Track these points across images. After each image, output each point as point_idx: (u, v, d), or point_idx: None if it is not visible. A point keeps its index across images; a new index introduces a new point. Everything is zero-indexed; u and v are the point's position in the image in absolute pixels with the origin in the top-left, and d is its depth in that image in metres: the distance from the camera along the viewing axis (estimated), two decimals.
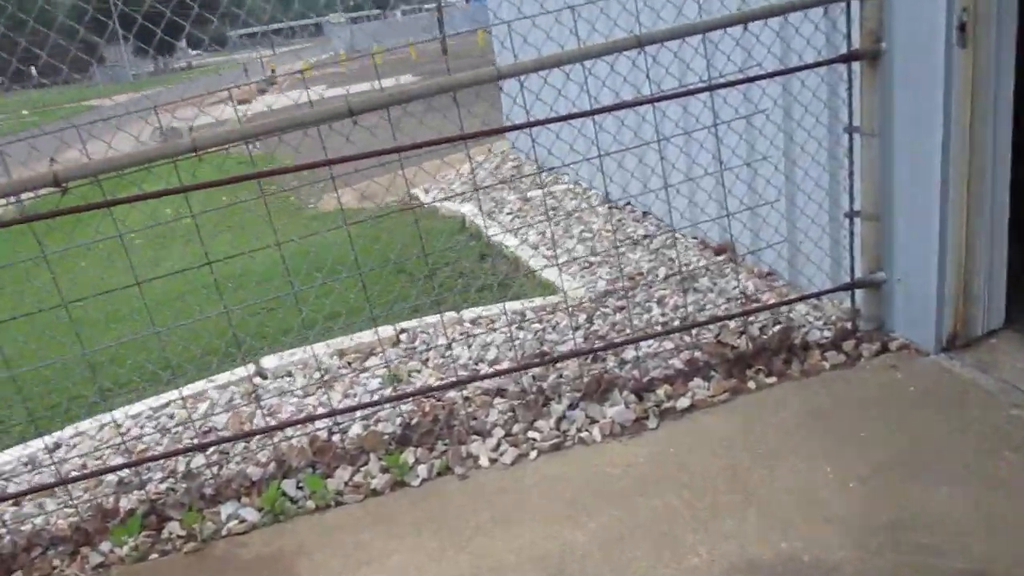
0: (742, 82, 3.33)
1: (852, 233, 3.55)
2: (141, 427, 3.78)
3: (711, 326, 3.75)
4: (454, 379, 3.47)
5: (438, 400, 3.53)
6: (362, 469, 3.18)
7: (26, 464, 3.65)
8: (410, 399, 3.47)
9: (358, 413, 3.43)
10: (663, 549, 2.56)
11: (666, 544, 2.57)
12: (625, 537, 2.63)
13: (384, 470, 3.15)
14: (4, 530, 3.11)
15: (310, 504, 3.05)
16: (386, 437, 3.30)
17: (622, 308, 4.21)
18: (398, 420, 3.40)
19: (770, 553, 2.47)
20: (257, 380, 4.02)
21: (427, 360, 3.98)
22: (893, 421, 3.04)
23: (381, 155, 2.92)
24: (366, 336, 4.21)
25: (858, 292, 3.61)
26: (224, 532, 2.97)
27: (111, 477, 3.32)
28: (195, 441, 3.44)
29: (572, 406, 3.36)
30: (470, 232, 6.29)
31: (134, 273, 2.84)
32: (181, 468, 3.35)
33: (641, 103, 3.16)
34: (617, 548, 2.59)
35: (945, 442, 2.88)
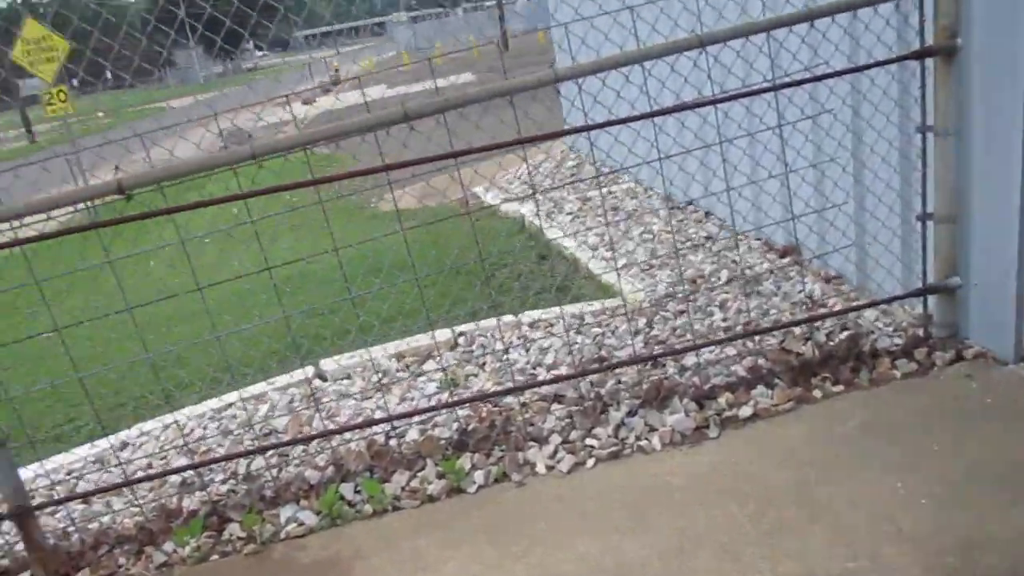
0: (809, 81, 3.22)
1: (925, 236, 3.41)
2: (204, 428, 3.85)
3: (775, 332, 3.65)
4: (511, 385, 3.44)
5: (495, 406, 3.50)
6: (419, 474, 3.17)
7: (95, 462, 3.75)
8: (466, 404, 3.46)
9: (415, 418, 3.43)
10: (724, 564, 2.48)
11: (727, 559, 2.50)
12: (685, 550, 2.57)
13: (441, 476, 3.14)
14: (73, 528, 3.20)
15: (367, 508, 3.06)
16: (443, 442, 3.29)
17: (683, 312, 4.12)
18: (455, 425, 3.39)
19: (836, 572, 2.38)
20: (316, 383, 4.06)
21: (484, 364, 3.97)
22: (968, 434, 2.91)
23: (437, 160, 2.90)
24: (424, 339, 4.21)
25: (931, 298, 3.47)
26: (283, 535, 3.00)
27: (175, 477, 3.39)
28: (255, 443, 3.48)
29: (631, 413, 3.30)
30: (529, 233, 6.26)
31: (195, 278, 2.88)
32: (242, 470, 3.40)
33: (702, 104, 3.08)
34: (676, 561, 2.53)
35: None
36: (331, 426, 3.61)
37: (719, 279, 4.52)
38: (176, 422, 3.54)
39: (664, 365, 3.61)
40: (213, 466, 3.40)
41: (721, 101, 3.11)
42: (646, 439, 3.16)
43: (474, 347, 4.18)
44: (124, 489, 3.35)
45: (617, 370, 3.55)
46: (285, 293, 4.40)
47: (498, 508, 2.95)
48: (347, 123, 2.88)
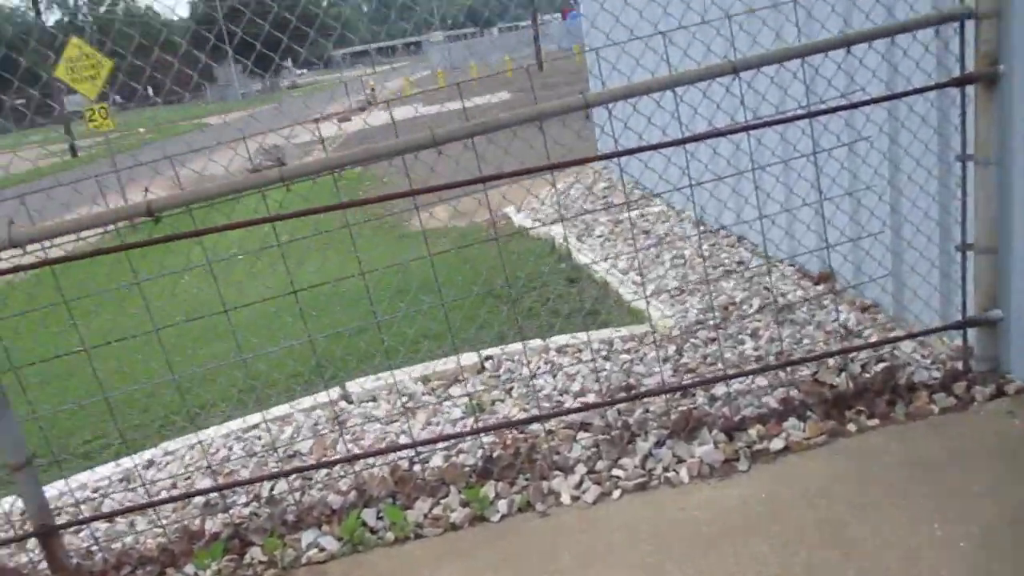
0: (845, 108, 3.15)
1: (964, 267, 3.31)
2: (229, 448, 3.85)
3: (808, 363, 3.56)
4: (536, 413, 3.40)
5: (520, 432, 3.46)
6: (442, 501, 3.13)
7: (121, 480, 3.76)
8: (492, 431, 3.42)
9: (439, 444, 3.40)
10: None
11: None
12: None
13: (464, 504, 3.10)
14: (97, 547, 3.20)
15: (389, 535, 3.02)
16: (467, 469, 3.25)
17: (713, 340, 4.05)
18: (479, 452, 3.34)
19: None
20: (342, 404, 4.05)
21: (511, 389, 3.93)
22: (1010, 475, 2.80)
23: (465, 185, 2.88)
24: (451, 362, 4.18)
25: (971, 331, 3.37)
26: (304, 560, 2.97)
27: (198, 498, 3.38)
28: (279, 466, 3.47)
29: (659, 444, 3.24)
30: (559, 255, 6.22)
31: (222, 300, 2.88)
32: (265, 493, 3.38)
33: (735, 131, 3.03)
34: None
35: None
36: (355, 450, 3.59)
37: (751, 306, 4.44)
38: (200, 442, 3.54)
39: (693, 395, 3.54)
40: (236, 488, 3.38)
41: (754, 128, 3.06)
42: (674, 471, 3.09)
43: (501, 371, 4.14)
44: (148, 509, 3.35)
45: (645, 399, 3.49)
46: (312, 314, 4.41)
47: (521, 539, 2.90)
48: (376, 147, 2.87)
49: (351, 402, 4.08)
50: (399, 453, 3.38)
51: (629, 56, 3.25)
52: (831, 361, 3.54)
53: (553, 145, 3.02)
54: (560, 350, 4.25)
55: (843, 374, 3.44)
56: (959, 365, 3.41)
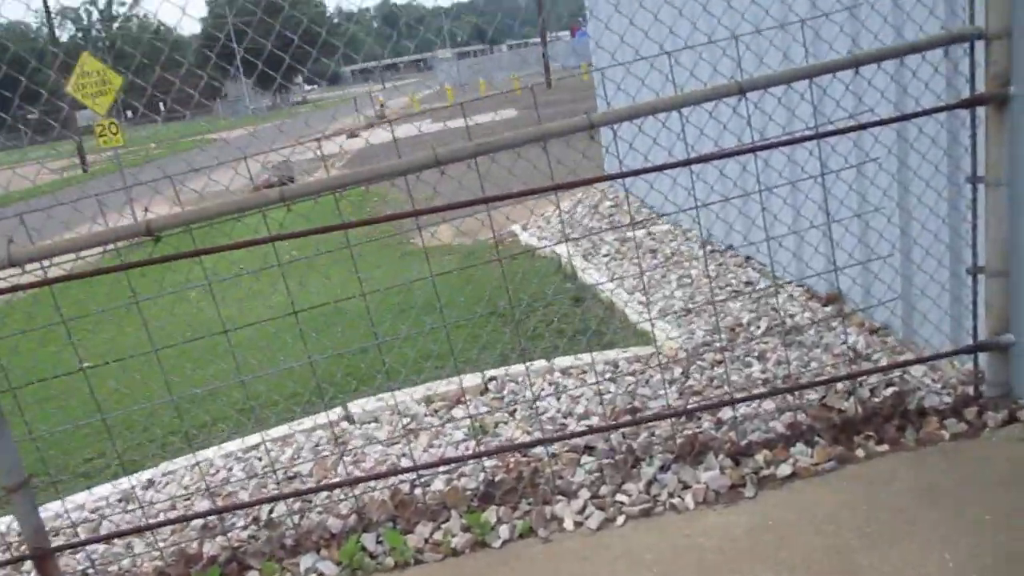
0: (853, 129, 3.12)
1: (975, 291, 3.26)
2: (230, 468, 3.81)
3: (816, 387, 3.51)
4: (540, 436, 3.35)
5: (523, 456, 3.41)
6: (443, 526, 3.08)
7: (120, 500, 3.72)
8: (494, 455, 3.37)
9: (441, 467, 3.35)
10: None
11: None
12: None
13: (465, 528, 3.05)
14: (92, 570, 3.16)
15: (389, 561, 2.97)
16: (468, 493, 3.20)
17: (720, 362, 4.00)
18: (481, 476, 3.29)
19: None
20: (344, 425, 4.00)
21: (514, 411, 3.88)
22: (1023, 503, 2.74)
23: (468, 206, 2.85)
24: (454, 384, 4.14)
25: (982, 355, 3.31)
26: None
27: (196, 521, 3.33)
28: (279, 488, 3.42)
29: (664, 468, 3.18)
30: (565, 274, 6.19)
31: (221, 320, 2.85)
32: (264, 515, 3.33)
33: (742, 152, 2.99)
34: None
35: None
36: (356, 472, 3.55)
37: (758, 328, 4.39)
38: (198, 463, 3.50)
39: (699, 418, 3.48)
40: (235, 511, 3.34)
41: (761, 149, 3.02)
42: (679, 496, 3.04)
43: (504, 392, 4.09)
44: (145, 532, 3.30)
45: (650, 423, 3.43)
46: (313, 335, 4.38)
47: (522, 565, 2.85)
48: (378, 167, 2.85)
49: (353, 422, 4.04)
50: (400, 476, 3.34)
51: (634, 76, 3.22)
52: (839, 385, 3.48)
53: (557, 165, 2.99)
54: (565, 372, 4.21)
55: (852, 398, 3.39)
56: (970, 390, 3.35)
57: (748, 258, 5.51)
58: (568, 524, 3.00)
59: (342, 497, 3.30)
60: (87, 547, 3.22)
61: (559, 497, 3.12)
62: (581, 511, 3.05)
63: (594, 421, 3.64)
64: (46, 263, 2.72)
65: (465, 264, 5.31)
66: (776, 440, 3.24)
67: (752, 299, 4.78)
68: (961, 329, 3.48)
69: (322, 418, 3.96)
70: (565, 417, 3.74)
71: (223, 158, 2.96)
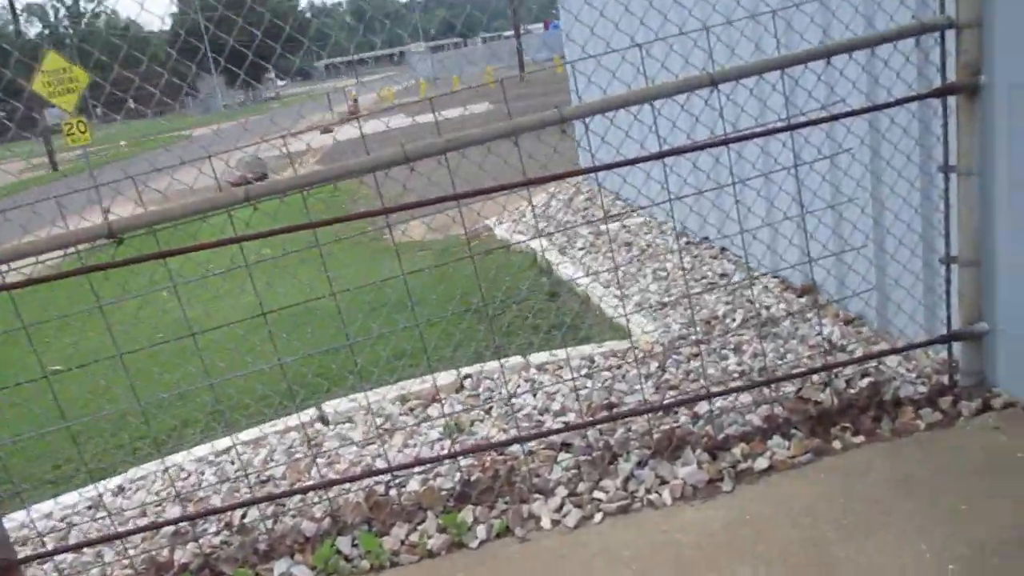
0: (825, 120, 3.10)
1: (948, 280, 3.27)
2: (201, 473, 3.74)
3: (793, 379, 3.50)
4: (516, 434, 3.32)
5: (499, 454, 3.37)
6: (419, 527, 3.04)
7: (89, 508, 3.65)
8: (470, 453, 3.33)
9: (416, 467, 3.30)
10: None
11: None
12: None
13: (441, 529, 3.01)
14: None
15: (364, 564, 2.93)
16: (444, 493, 3.16)
17: (696, 355, 3.99)
18: (457, 475, 3.26)
19: None
20: (318, 426, 3.95)
21: (490, 409, 3.84)
22: (998, 492, 2.74)
23: (439, 203, 2.80)
24: (429, 382, 4.09)
25: (956, 344, 3.31)
26: None
27: (168, 527, 3.27)
28: (251, 492, 3.37)
29: (641, 464, 3.16)
30: (540, 268, 6.15)
31: (188, 323, 2.78)
32: (237, 520, 3.28)
33: (714, 144, 2.97)
34: None
35: None
36: (331, 474, 3.50)
37: (734, 320, 4.38)
38: (167, 469, 3.43)
39: (676, 413, 3.47)
40: (207, 516, 3.28)
41: (734, 141, 3.00)
42: (656, 492, 3.02)
43: (480, 390, 4.06)
44: (115, 540, 3.24)
45: (627, 418, 3.41)
46: (283, 335, 4.31)
47: (499, 565, 2.81)
48: (346, 164, 2.79)
49: (327, 423, 3.99)
50: (375, 478, 3.29)
51: (605, 69, 3.19)
52: (815, 377, 3.48)
53: (528, 160, 2.95)
54: (540, 368, 4.18)
55: (828, 390, 3.38)
56: (945, 379, 3.36)
57: (723, 250, 5.50)
58: (545, 522, 2.97)
59: (316, 500, 3.25)
60: (55, 557, 3.14)
61: (536, 495, 3.09)
62: (558, 509, 3.02)
63: (571, 418, 3.61)
64: (4, 268, 2.65)
65: (440, 261, 5.25)
66: (753, 433, 3.23)
67: (727, 291, 4.77)
68: (935, 318, 3.49)
69: (296, 420, 3.90)
70: (541, 414, 3.71)
71: (192, 155, 2.89)
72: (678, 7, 4.21)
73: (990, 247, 3.09)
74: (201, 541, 3.14)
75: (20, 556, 2.96)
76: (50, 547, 3.22)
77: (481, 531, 2.96)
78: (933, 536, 2.59)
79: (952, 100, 3.06)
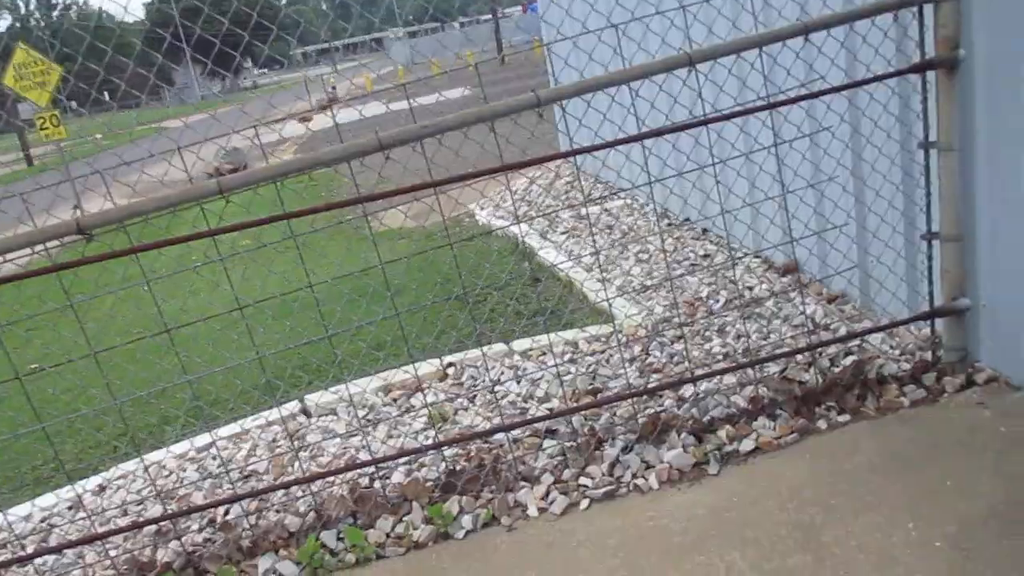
0: (805, 98, 3.08)
1: (930, 257, 3.25)
2: (183, 470, 3.69)
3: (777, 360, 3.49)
4: (500, 422, 3.29)
5: (484, 443, 3.34)
6: (404, 519, 3.01)
7: (70, 508, 3.59)
8: (455, 443, 3.30)
9: (401, 459, 3.27)
10: None
11: None
12: None
13: (427, 520, 2.98)
14: None
15: (350, 558, 2.90)
16: (429, 484, 3.13)
17: (680, 338, 3.97)
18: (442, 465, 3.23)
19: None
20: (301, 419, 3.90)
21: (474, 397, 3.81)
22: (983, 468, 2.74)
23: (416, 190, 2.76)
24: (412, 371, 4.06)
25: (939, 320, 3.31)
26: None
27: (150, 526, 3.22)
28: (233, 488, 3.32)
29: (626, 449, 3.14)
30: (522, 253, 6.11)
31: (163, 320, 2.73)
32: (220, 517, 3.24)
33: (693, 125, 2.93)
34: None
35: None
36: (314, 467, 3.46)
37: (717, 301, 4.36)
38: (148, 468, 3.38)
39: (661, 396, 3.45)
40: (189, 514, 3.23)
41: (713, 121, 2.96)
42: (642, 477, 3.00)
43: (464, 378, 4.02)
44: (96, 540, 3.19)
45: (612, 403, 3.39)
46: (265, 323, 4.25)
47: (487, 555, 2.79)
48: (318, 154, 2.74)
49: (310, 416, 3.95)
50: (358, 470, 3.25)
51: (581, 51, 3.14)
52: (800, 357, 3.46)
53: (507, 145, 2.90)
54: (524, 354, 4.15)
55: (812, 369, 3.37)
56: (928, 355, 3.35)
57: (705, 231, 5.48)
58: (532, 510, 2.95)
59: (300, 495, 3.22)
60: (35, 560, 3.09)
61: (522, 483, 3.06)
62: (545, 496, 3.00)
63: (555, 404, 3.59)
64: None
65: (421, 248, 5.20)
66: (738, 415, 3.22)
67: (710, 272, 4.75)
68: (918, 295, 3.48)
69: (277, 414, 3.86)
70: (526, 401, 3.68)
71: (166, 148, 2.82)
72: None
73: (971, 223, 3.08)
74: (184, 539, 3.10)
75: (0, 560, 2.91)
76: (30, 550, 3.17)
77: (467, 521, 2.94)
78: (920, 514, 2.59)
79: (931, 75, 3.03)
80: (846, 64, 3.50)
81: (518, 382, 3.84)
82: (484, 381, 3.92)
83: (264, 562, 2.92)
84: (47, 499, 3.65)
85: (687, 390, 3.41)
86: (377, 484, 3.22)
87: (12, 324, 2.70)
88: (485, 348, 4.18)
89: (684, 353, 3.77)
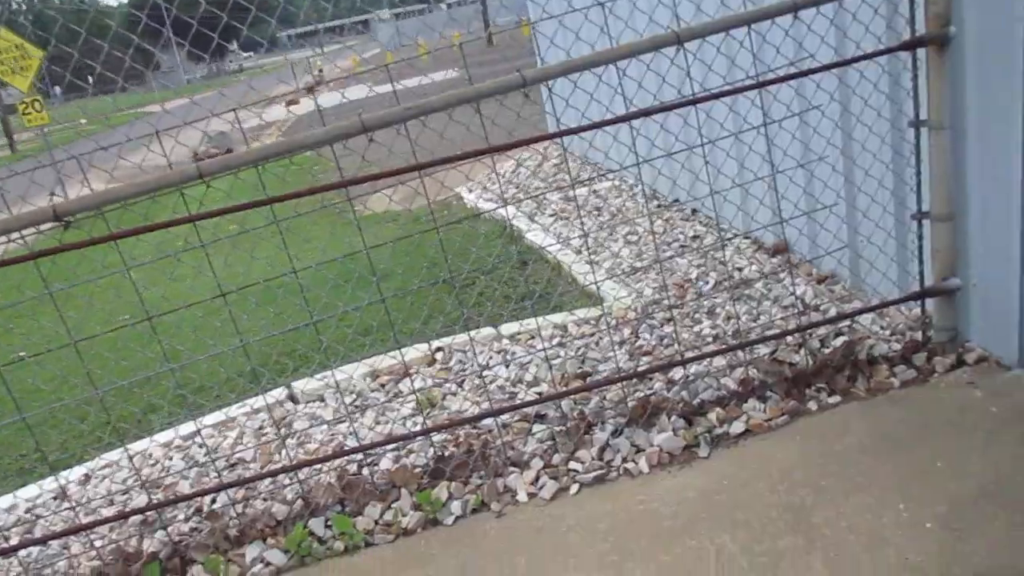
0: (794, 76, 3.04)
1: (921, 236, 3.23)
2: (169, 459, 3.66)
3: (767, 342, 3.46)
4: (489, 407, 3.26)
5: (473, 428, 3.32)
6: (393, 506, 2.98)
7: (55, 499, 3.55)
8: (443, 429, 3.27)
9: (389, 445, 3.24)
10: None
11: None
12: None
13: (416, 507, 2.96)
14: (27, 575, 3.01)
15: (338, 545, 2.87)
16: (418, 470, 3.11)
17: (669, 320, 3.94)
18: (430, 451, 3.20)
19: None
20: (288, 406, 3.87)
21: (463, 382, 3.78)
22: (973, 448, 2.73)
23: (400, 174, 2.71)
24: (400, 357, 4.02)
25: (929, 300, 3.29)
26: None
27: (136, 516, 3.19)
28: (220, 476, 3.29)
29: (616, 433, 3.12)
30: (511, 235, 6.07)
31: (144, 308, 2.68)
32: (206, 506, 3.20)
33: (682, 105, 2.89)
34: None
35: None
36: (301, 454, 3.43)
37: (707, 283, 4.33)
38: (132, 457, 3.34)
39: (651, 379, 3.42)
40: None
41: (701, 101, 2.92)
42: (632, 461, 2.98)
43: (452, 363, 3.99)
44: (82, 530, 3.15)
45: (601, 387, 3.36)
46: (249, 310, 4.20)
47: (476, 541, 2.77)
48: (302, 136, 2.69)
49: (297, 402, 3.91)
50: (346, 457, 3.22)
51: (568, 30, 3.09)
52: (789, 338, 3.44)
53: (493, 127, 2.85)
54: (512, 338, 4.11)
55: (802, 351, 3.35)
56: (918, 336, 3.34)
57: (694, 212, 5.45)
58: (521, 496, 2.93)
59: (287, 482, 3.18)
60: (19, 551, 3.06)
61: (511, 469, 3.04)
62: (534, 482, 2.98)
63: (544, 388, 3.56)
64: None
65: (407, 232, 5.14)
66: (728, 398, 3.20)
67: (700, 254, 4.72)
68: (908, 275, 3.46)
69: (270, 395, 3.82)
70: (514, 385, 3.65)
71: (145, 133, 2.76)
72: None
73: (962, 202, 3.06)
74: (170, 529, 3.07)
75: None
76: (14, 542, 3.13)
77: (456, 507, 2.91)
78: (910, 494, 2.57)
79: (922, 53, 3.00)
80: (836, 42, 3.45)
81: (507, 366, 3.80)
82: (472, 366, 3.88)
83: (252, 550, 2.89)
84: (30, 490, 3.61)
85: (677, 373, 3.39)
86: (365, 471, 3.19)
87: None
88: (473, 332, 4.14)
89: (674, 335, 3.74)
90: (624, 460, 3.00)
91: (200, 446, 3.67)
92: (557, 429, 3.18)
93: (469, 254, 5.58)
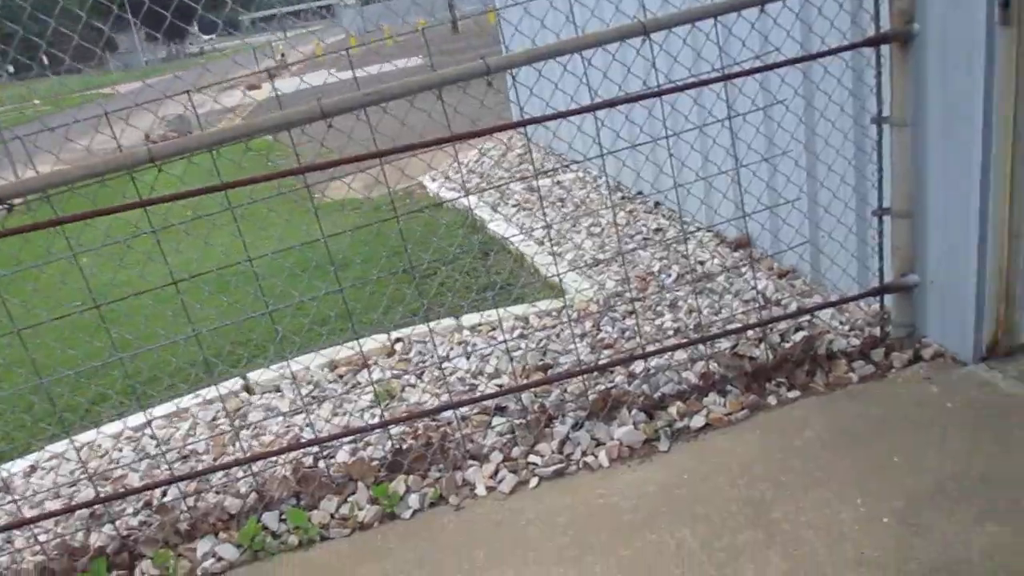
0: (759, 70, 3.03)
1: (881, 233, 3.25)
2: (119, 450, 3.56)
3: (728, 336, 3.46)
4: (448, 399, 3.22)
5: (432, 420, 3.27)
6: (349, 499, 2.93)
7: None
8: (401, 422, 3.22)
9: (346, 438, 3.18)
10: None
11: None
12: None
13: (373, 501, 2.91)
14: None
15: (293, 539, 2.81)
16: (375, 463, 3.05)
17: (631, 313, 3.92)
18: (388, 444, 3.15)
19: None
20: (243, 396, 3.78)
21: (422, 374, 3.73)
22: (929, 442, 2.76)
23: (360, 160, 2.64)
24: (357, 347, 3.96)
25: (888, 296, 3.31)
26: (200, 572, 2.74)
27: (83, 509, 3.09)
28: (172, 468, 3.21)
29: (577, 426, 3.10)
30: (473, 225, 6.02)
31: (92, 296, 2.59)
32: (157, 499, 3.12)
33: (646, 96, 2.86)
34: None
35: (990, 467, 2.59)
36: (256, 446, 3.35)
37: (669, 276, 4.33)
38: (78, 449, 3.24)
39: (612, 372, 3.40)
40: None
41: (666, 93, 2.89)
42: (592, 454, 2.96)
43: (412, 354, 3.94)
44: (26, 524, 3.05)
45: (562, 380, 3.34)
46: (201, 299, 4.10)
47: (434, 535, 2.73)
48: (258, 121, 2.61)
49: (253, 392, 3.83)
50: (301, 450, 3.16)
51: (533, 17, 3.04)
52: (750, 332, 3.45)
53: (455, 115, 2.80)
54: (473, 329, 4.07)
55: (762, 345, 3.35)
56: (877, 331, 3.36)
57: (657, 204, 5.44)
58: (480, 489, 2.89)
59: (241, 475, 3.11)
60: None
61: (471, 462, 3.00)
62: (493, 475, 2.94)
63: (504, 380, 3.52)
64: None
65: (368, 220, 5.06)
66: (689, 391, 3.19)
67: (662, 247, 4.71)
68: (868, 271, 3.48)
69: (224, 386, 3.73)
70: (475, 377, 3.61)
71: (74, 120, 2.66)
72: None
73: (922, 199, 3.07)
74: (118, 523, 2.98)
75: None
76: None
77: (414, 500, 2.87)
78: (868, 489, 2.59)
79: (886, 49, 3.00)
80: (801, 36, 3.45)
81: (467, 358, 3.76)
82: (432, 357, 3.83)
83: (203, 545, 2.82)
84: None
85: (638, 366, 3.37)
86: (321, 464, 3.13)
87: None
88: (433, 323, 4.09)
89: (635, 328, 3.73)
90: (584, 454, 2.97)
91: (151, 437, 3.58)
92: (517, 422, 3.15)
93: (430, 244, 5.52)
